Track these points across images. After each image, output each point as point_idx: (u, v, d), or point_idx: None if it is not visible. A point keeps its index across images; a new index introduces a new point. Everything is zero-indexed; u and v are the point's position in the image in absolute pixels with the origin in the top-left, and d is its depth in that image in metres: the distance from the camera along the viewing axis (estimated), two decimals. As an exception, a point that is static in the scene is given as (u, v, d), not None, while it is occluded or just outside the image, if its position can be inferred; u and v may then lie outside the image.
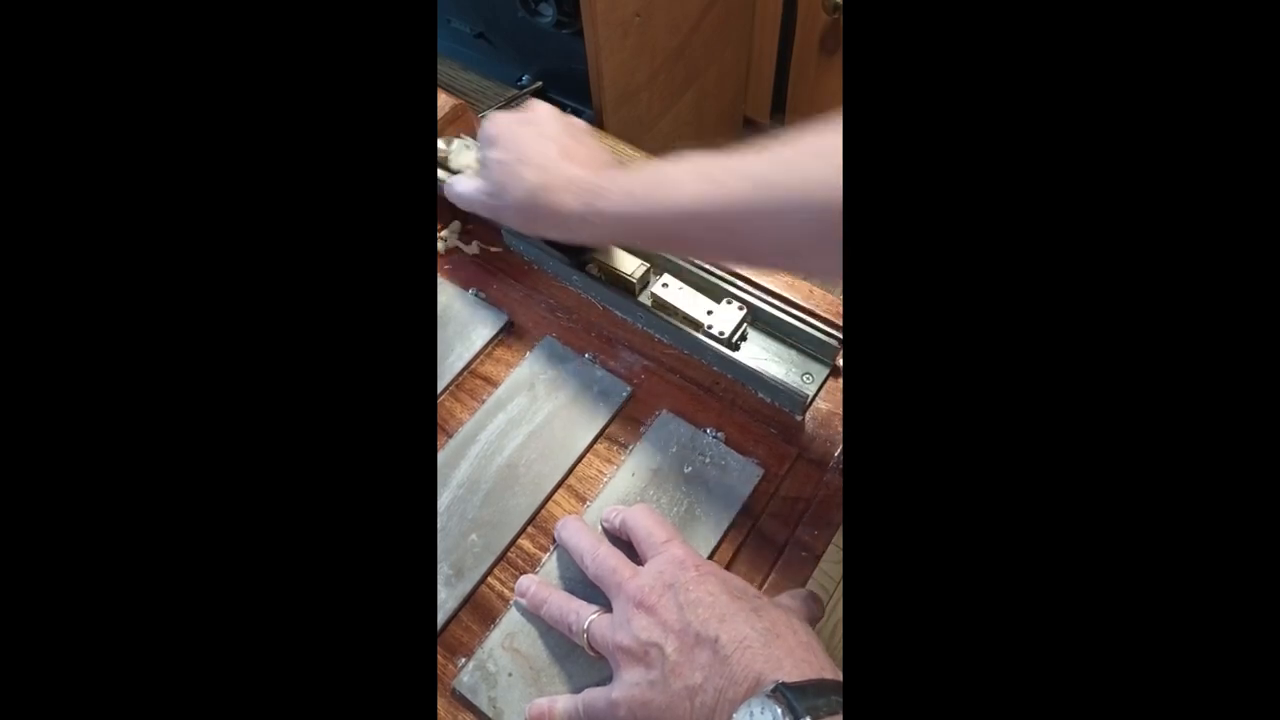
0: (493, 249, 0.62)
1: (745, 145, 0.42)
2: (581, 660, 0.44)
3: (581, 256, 0.58)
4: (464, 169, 0.60)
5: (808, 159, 0.40)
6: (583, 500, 0.51)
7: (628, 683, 0.39)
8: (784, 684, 0.34)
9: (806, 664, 0.36)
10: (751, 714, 0.34)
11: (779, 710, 0.33)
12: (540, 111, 0.54)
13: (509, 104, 0.73)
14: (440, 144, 0.61)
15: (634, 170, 0.47)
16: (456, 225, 0.63)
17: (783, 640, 0.37)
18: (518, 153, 0.51)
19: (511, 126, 0.52)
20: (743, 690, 0.36)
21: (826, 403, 0.54)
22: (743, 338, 0.55)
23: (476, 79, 0.77)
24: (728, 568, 0.48)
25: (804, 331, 0.54)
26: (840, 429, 0.53)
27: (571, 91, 0.79)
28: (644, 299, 0.57)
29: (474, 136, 0.67)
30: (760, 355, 0.54)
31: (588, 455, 0.52)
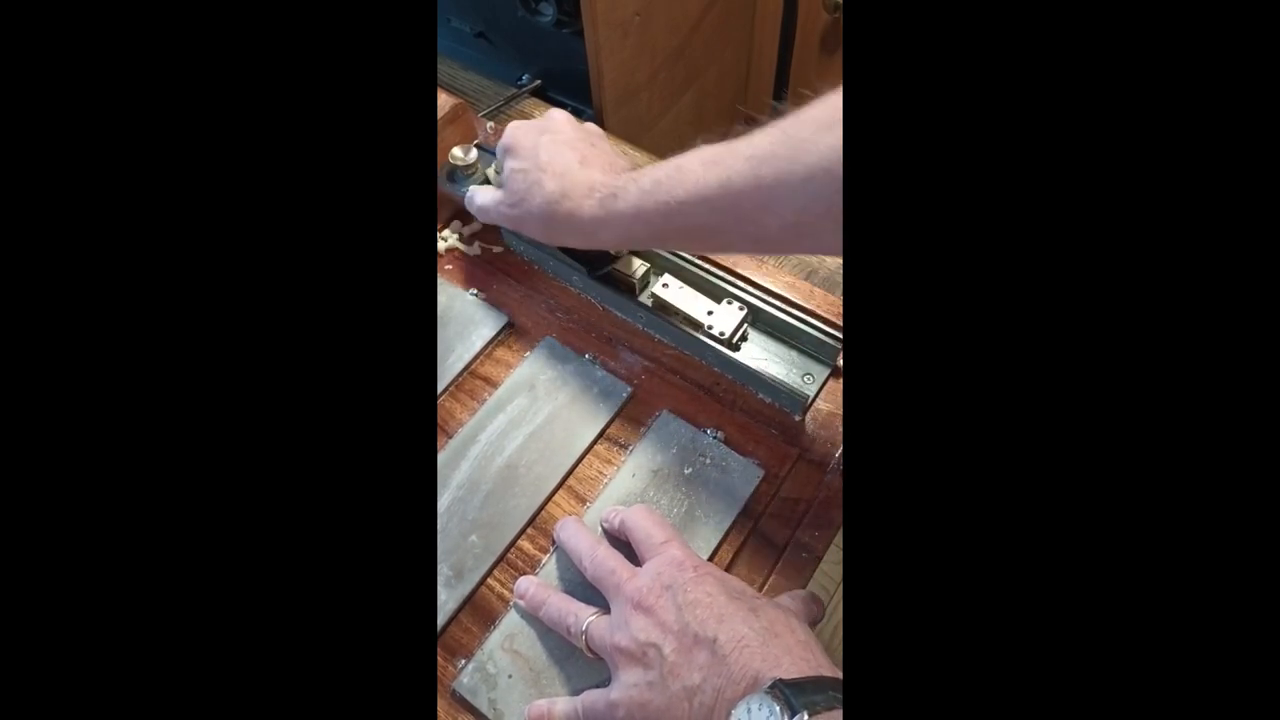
0: (493, 249, 0.62)
1: (754, 127, 0.42)
2: (581, 662, 0.44)
3: (601, 267, 0.57)
4: (483, 179, 0.59)
5: (806, 129, 0.39)
6: (583, 501, 0.51)
7: (626, 684, 0.39)
8: (781, 680, 0.34)
9: (805, 662, 0.36)
10: (749, 711, 0.34)
11: (777, 707, 0.33)
12: (556, 118, 0.54)
13: (509, 103, 0.73)
14: (457, 151, 0.60)
15: (647, 168, 0.46)
16: (457, 225, 0.63)
17: (780, 639, 0.37)
18: (536, 161, 0.50)
19: (529, 135, 0.52)
20: (741, 689, 0.36)
21: (827, 403, 0.54)
22: (743, 338, 0.55)
23: (476, 79, 0.77)
24: (728, 569, 0.48)
25: (804, 332, 0.54)
26: (841, 430, 0.52)
27: (571, 91, 0.79)
28: (644, 299, 0.57)
29: (478, 138, 0.67)
30: (761, 356, 0.54)
31: (588, 456, 0.52)
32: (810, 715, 0.32)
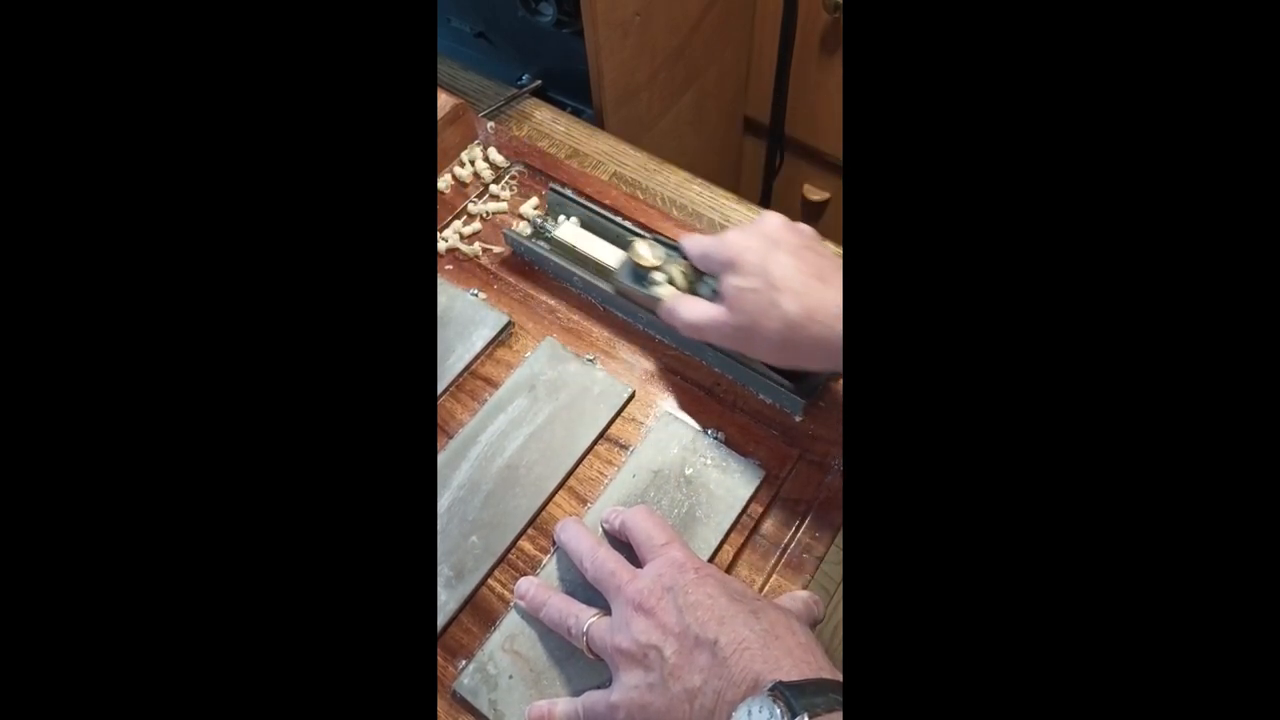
0: (493, 250, 0.62)
1: None
2: (582, 663, 0.44)
3: (814, 382, 0.53)
4: (669, 279, 0.54)
5: None
6: (584, 502, 0.51)
7: (627, 685, 0.39)
8: (782, 683, 0.34)
9: (805, 664, 0.36)
10: (750, 713, 0.34)
11: (777, 709, 0.33)
12: (772, 224, 0.49)
13: (509, 103, 0.73)
14: (644, 250, 0.53)
15: None
16: (457, 225, 0.63)
17: (781, 641, 0.37)
18: (767, 279, 0.46)
19: (755, 247, 0.48)
20: (741, 691, 0.36)
21: (827, 404, 0.54)
22: (744, 338, 0.55)
23: (476, 79, 0.77)
24: (729, 569, 0.48)
25: (805, 332, 0.53)
26: (841, 430, 0.52)
27: (571, 91, 0.79)
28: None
29: (478, 139, 0.67)
30: (761, 356, 0.54)
31: (588, 456, 0.52)
32: (811, 717, 0.32)
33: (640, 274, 0.54)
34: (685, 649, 0.38)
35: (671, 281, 0.54)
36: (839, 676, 0.36)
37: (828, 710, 0.33)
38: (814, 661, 0.36)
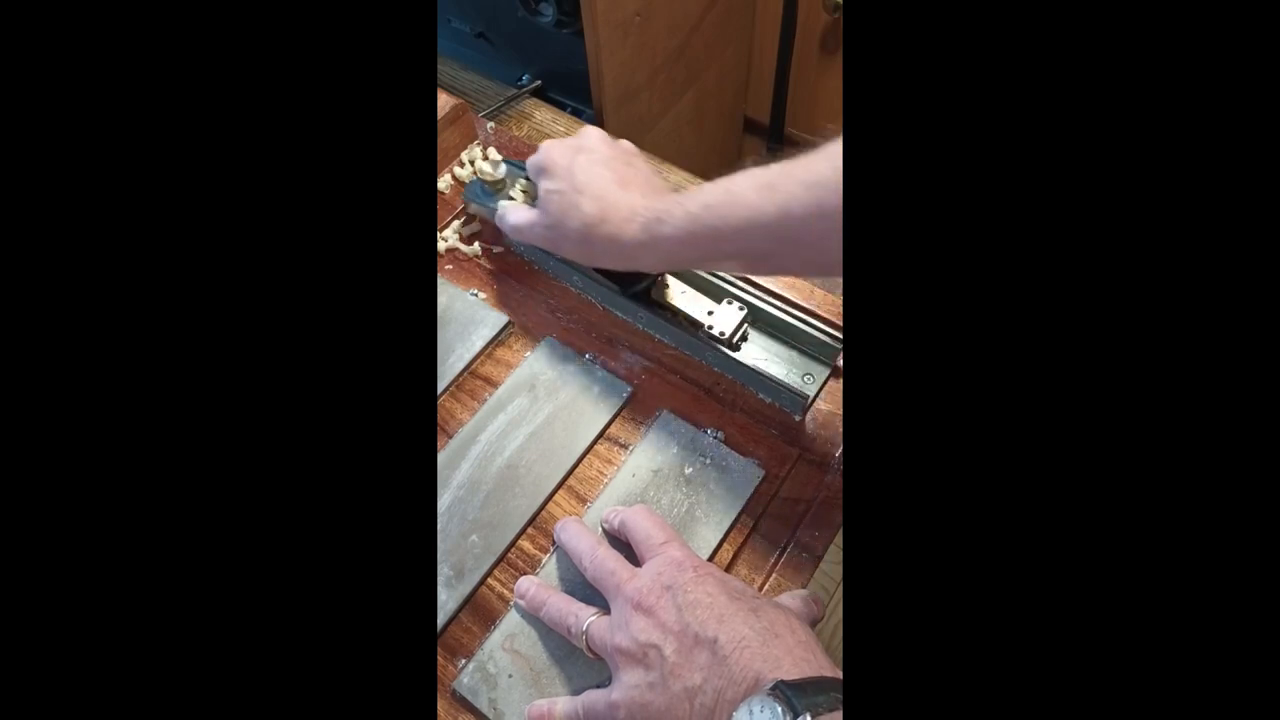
0: (493, 249, 0.62)
1: (804, 149, 0.41)
2: (581, 662, 0.44)
3: (635, 286, 0.56)
4: (512, 195, 0.58)
5: None
6: (583, 501, 0.51)
7: (627, 684, 0.39)
8: (783, 682, 0.34)
9: (805, 663, 0.36)
10: (751, 713, 0.34)
11: (779, 708, 0.33)
12: (591, 137, 0.53)
13: (509, 103, 0.73)
14: (485, 166, 0.59)
15: (693, 192, 0.46)
16: (457, 225, 0.63)
17: (781, 640, 0.37)
18: (572, 182, 0.50)
19: (564, 155, 0.51)
20: (742, 690, 0.36)
21: (827, 403, 0.54)
22: (743, 338, 0.55)
23: (476, 79, 0.77)
24: (728, 569, 0.48)
25: (804, 332, 0.54)
26: (841, 430, 0.52)
27: (571, 91, 0.79)
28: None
29: (478, 139, 0.67)
30: (761, 356, 0.54)
31: (588, 456, 0.52)
32: (813, 717, 0.32)
33: (488, 190, 0.59)
34: (685, 647, 0.38)
35: (513, 198, 0.58)
36: (839, 675, 0.36)
37: (829, 709, 0.33)
38: (814, 660, 0.36)
